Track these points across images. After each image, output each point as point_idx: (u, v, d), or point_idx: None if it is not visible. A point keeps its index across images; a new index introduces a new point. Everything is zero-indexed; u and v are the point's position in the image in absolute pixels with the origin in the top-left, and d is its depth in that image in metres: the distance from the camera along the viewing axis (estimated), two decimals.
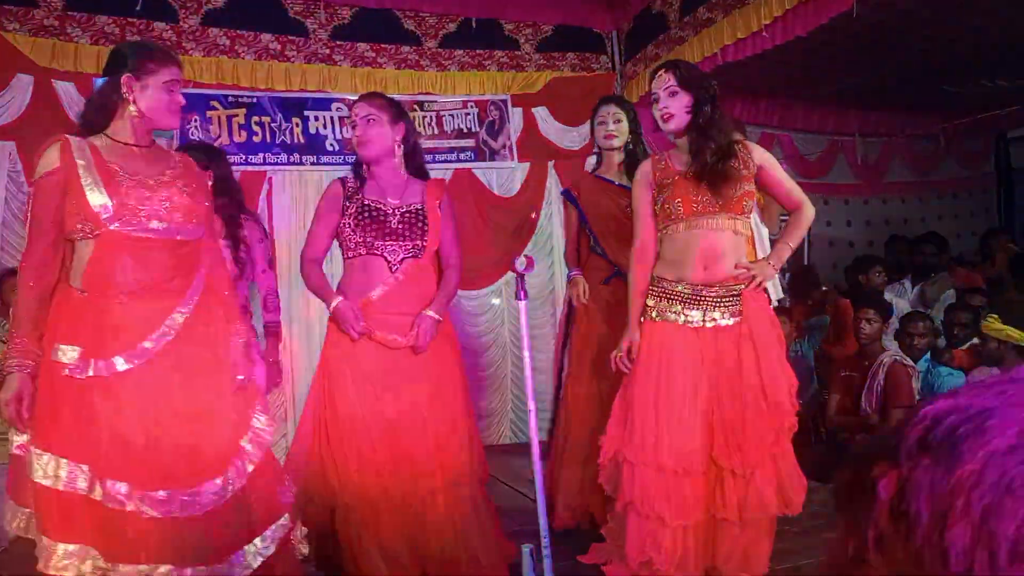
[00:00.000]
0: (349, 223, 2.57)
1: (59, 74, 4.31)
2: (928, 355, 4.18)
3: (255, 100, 4.73)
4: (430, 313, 2.56)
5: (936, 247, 5.73)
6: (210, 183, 2.75)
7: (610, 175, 3.29)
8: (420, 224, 2.59)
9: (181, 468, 2.00)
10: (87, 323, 1.99)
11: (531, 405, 2.58)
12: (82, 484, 1.91)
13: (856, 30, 4.07)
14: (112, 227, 1.99)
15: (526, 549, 2.48)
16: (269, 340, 3.27)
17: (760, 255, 3.56)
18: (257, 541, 2.13)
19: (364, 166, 2.66)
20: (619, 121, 3.21)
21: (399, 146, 2.62)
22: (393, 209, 2.58)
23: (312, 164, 4.85)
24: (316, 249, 2.64)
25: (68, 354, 1.96)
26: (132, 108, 2.07)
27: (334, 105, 4.93)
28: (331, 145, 4.91)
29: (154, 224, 2.04)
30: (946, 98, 5.99)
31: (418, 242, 2.58)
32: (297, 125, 4.80)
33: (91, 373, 1.95)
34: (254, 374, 2.31)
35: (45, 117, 4.27)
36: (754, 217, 3.59)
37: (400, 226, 2.56)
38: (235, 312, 2.30)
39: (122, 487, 1.93)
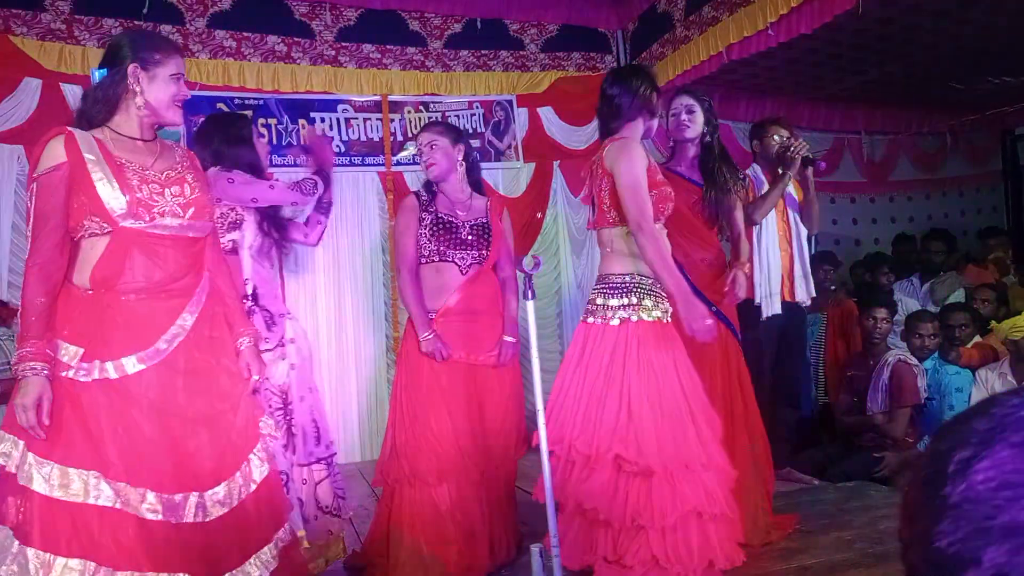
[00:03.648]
0: (425, 233, 2.88)
1: (67, 77, 4.34)
2: (936, 353, 4.17)
3: (261, 102, 4.74)
4: (509, 339, 2.95)
5: (945, 244, 5.71)
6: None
7: (681, 168, 3.12)
8: (486, 236, 2.93)
9: (194, 472, 1.94)
10: (91, 322, 1.91)
11: (539, 404, 2.58)
12: (92, 492, 1.84)
13: (861, 28, 4.07)
14: (125, 224, 1.91)
15: (535, 549, 2.48)
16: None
17: (796, 256, 3.55)
18: (265, 551, 2.06)
19: (433, 183, 2.96)
20: (692, 112, 3.06)
21: (461, 164, 2.93)
22: (463, 222, 2.91)
23: None
24: (409, 260, 2.91)
25: (70, 354, 1.88)
26: (139, 100, 1.98)
27: (340, 106, 4.95)
28: (337, 146, 4.91)
29: (168, 220, 1.97)
30: (953, 95, 5.97)
31: (484, 251, 2.91)
32: (303, 127, 4.82)
33: (96, 376, 1.88)
34: (265, 375, 2.29)
35: (53, 120, 4.26)
36: (793, 216, 3.58)
37: (470, 237, 2.90)
38: (241, 313, 2.26)
39: (135, 492, 1.86)
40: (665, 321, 2.55)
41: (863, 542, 2.95)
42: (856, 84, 5.70)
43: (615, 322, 2.50)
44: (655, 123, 2.69)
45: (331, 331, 4.92)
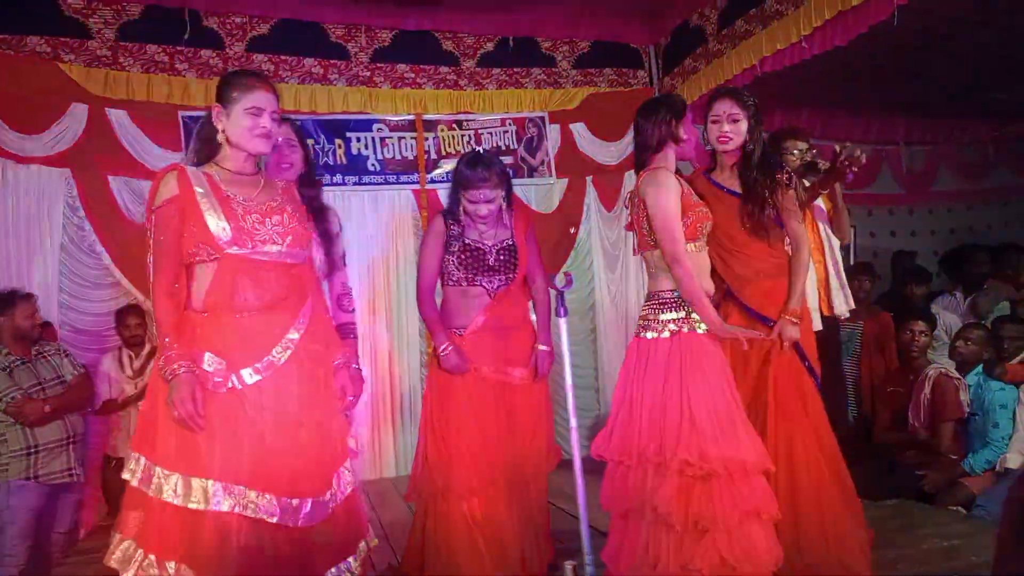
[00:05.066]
0: (453, 260, 2.93)
1: (112, 102, 4.48)
2: (980, 368, 4.07)
3: (299, 123, 4.83)
4: (543, 348, 2.97)
5: (988, 257, 5.57)
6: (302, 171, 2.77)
7: (721, 179, 2.91)
8: (512, 258, 2.96)
9: (306, 478, 2.09)
10: (215, 339, 2.07)
11: (572, 421, 2.59)
12: (213, 499, 1.97)
13: (898, 38, 4.02)
14: (230, 251, 2.08)
15: (568, 566, 2.48)
16: (351, 344, 2.86)
17: (830, 267, 3.47)
18: (351, 560, 2.20)
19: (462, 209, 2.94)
20: (736, 121, 2.78)
21: (504, 201, 2.95)
22: (490, 248, 2.94)
23: (355, 184, 4.95)
24: (430, 280, 3.01)
25: (212, 364, 2.04)
26: (220, 136, 2.16)
27: (375, 126, 5.03)
28: (372, 165, 5.00)
29: (269, 247, 2.13)
30: (994, 105, 5.87)
31: (511, 274, 2.95)
32: (340, 147, 4.91)
33: (227, 386, 2.04)
34: (360, 393, 2.39)
35: (99, 144, 4.44)
36: (823, 227, 3.51)
37: (496, 262, 2.94)
38: (335, 334, 2.40)
39: (257, 495, 2.00)
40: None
41: (906, 563, 2.90)
42: (894, 94, 5.63)
43: (666, 334, 2.54)
44: (687, 146, 2.66)
45: (365, 347, 4.97)
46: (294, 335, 2.15)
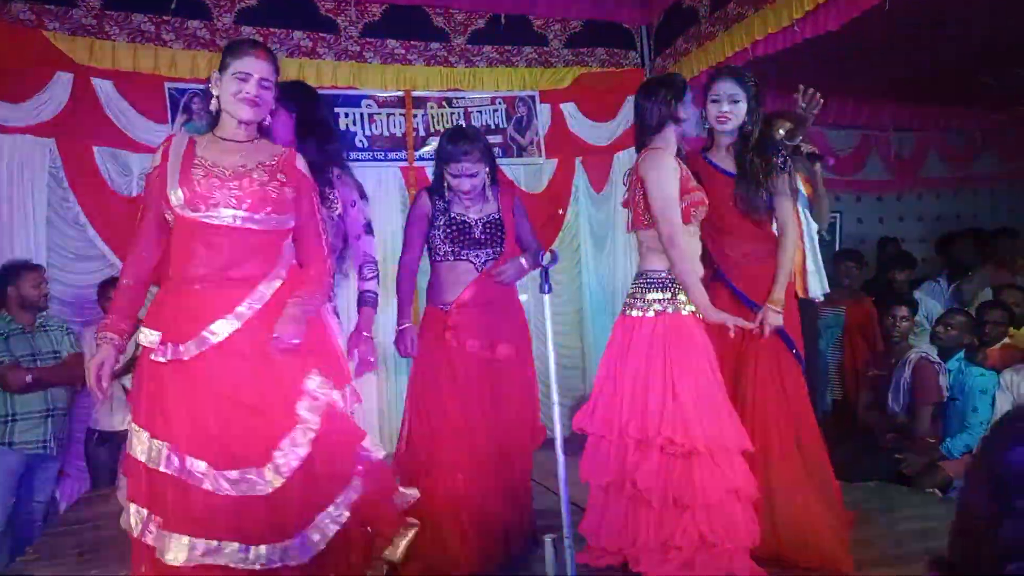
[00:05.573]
0: (439, 234, 2.93)
1: (97, 71, 4.42)
2: (961, 353, 4.11)
3: (296, 86, 4.77)
4: (521, 260, 2.91)
5: (973, 243, 5.61)
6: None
7: (718, 159, 2.91)
8: (499, 232, 2.95)
9: (250, 449, 2.08)
10: (169, 308, 2.14)
11: (555, 398, 2.59)
12: (164, 460, 2.04)
13: (890, 23, 4.01)
14: (183, 213, 2.11)
15: (548, 539, 2.49)
16: (364, 312, 2.93)
17: (808, 251, 3.48)
18: (331, 508, 2.16)
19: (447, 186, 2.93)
20: (736, 102, 2.77)
21: (488, 177, 2.94)
22: (475, 221, 2.93)
23: None
24: (411, 256, 3.02)
25: (149, 337, 2.10)
26: (214, 102, 2.20)
27: (364, 102, 4.98)
28: (360, 142, 4.96)
29: (222, 211, 2.11)
30: (984, 91, 5.88)
31: (498, 248, 2.93)
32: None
33: (170, 356, 2.08)
34: (294, 335, 2.14)
35: (83, 114, 4.38)
36: (803, 211, 3.52)
37: (483, 236, 2.93)
38: (309, 286, 2.24)
39: (200, 464, 2.03)
40: (699, 315, 2.61)
41: (884, 542, 2.94)
42: (885, 80, 5.62)
43: (651, 314, 2.57)
44: (688, 127, 2.67)
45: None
46: (243, 310, 2.11)
